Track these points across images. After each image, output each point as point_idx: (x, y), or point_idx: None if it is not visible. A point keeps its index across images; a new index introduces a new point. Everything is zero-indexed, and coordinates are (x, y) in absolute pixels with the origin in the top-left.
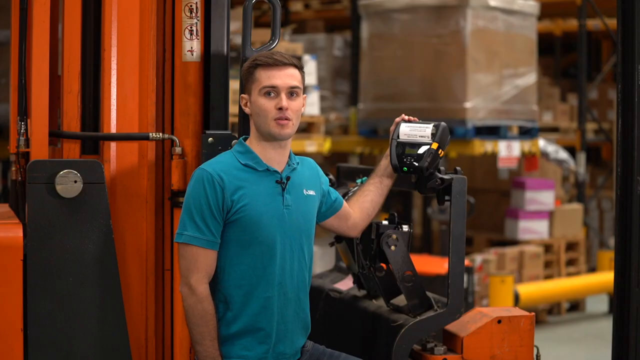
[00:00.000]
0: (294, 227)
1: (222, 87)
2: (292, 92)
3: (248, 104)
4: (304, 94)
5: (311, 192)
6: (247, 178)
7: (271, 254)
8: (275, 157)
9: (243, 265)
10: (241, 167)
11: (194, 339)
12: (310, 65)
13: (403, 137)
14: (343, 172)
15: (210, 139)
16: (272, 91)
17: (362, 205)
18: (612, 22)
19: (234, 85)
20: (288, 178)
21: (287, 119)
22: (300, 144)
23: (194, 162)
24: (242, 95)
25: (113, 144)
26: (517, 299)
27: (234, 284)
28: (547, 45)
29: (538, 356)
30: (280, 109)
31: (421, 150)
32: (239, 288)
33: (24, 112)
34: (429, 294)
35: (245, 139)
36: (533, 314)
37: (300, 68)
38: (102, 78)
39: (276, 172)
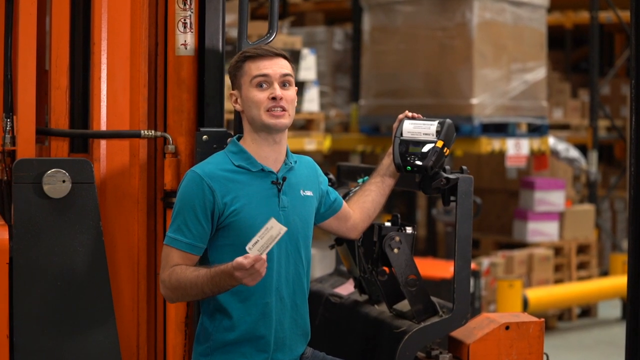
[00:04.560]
0: (291, 230)
1: (217, 82)
2: (284, 82)
3: (238, 100)
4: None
5: (308, 193)
6: (241, 180)
7: (268, 258)
8: (270, 155)
9: None
10: (234, 168)
11: (197, 292)
12: (310, 60)
13: (406, 134)
14: (344, 172)
15: (204, 136)
16: (264, 82)
17: (362, 206)
18: (625, 14)
19: (230, 80)
20: (284, 178)
21: (282, 108)
22: (299, 141)
23: (188, 160)
24: (232, 92)
25: (103, 142)
26: (525, 304)
27: (230, 290)
28: (557, 39)
29: None
30: (274, 98)
31: (425, 148)
32: (236, 294)
33: (9, 109)
34: (433, 298)
35: (239, 139)
36: (542, 319)
37: (289, 60)
38: (92, 73)
39: (271, 172)
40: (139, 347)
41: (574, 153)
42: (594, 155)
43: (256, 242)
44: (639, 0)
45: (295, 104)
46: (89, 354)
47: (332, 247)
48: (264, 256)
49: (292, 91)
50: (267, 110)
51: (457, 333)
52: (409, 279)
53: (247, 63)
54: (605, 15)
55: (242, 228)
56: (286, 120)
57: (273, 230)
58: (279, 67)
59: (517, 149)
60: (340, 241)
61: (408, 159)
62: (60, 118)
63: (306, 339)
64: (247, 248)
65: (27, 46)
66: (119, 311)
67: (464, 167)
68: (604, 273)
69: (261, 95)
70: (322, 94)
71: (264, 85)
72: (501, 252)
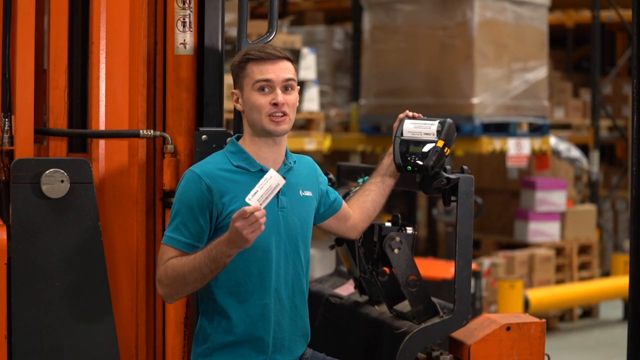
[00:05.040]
0: (290, 230)
1: (217, 81)
2: (286, 86)
3: (240, 100)
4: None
5: (308, 193)
6: (239, 180)
7: (267, 259)
8: (270, 156)
9: (238, 272)
10: (233, 168)
11: (197, 276)
12: (310, 59)
13: (407, 134)
14: (344, 171)
15: (203, 136)
16: (266, 86)
17: (362, 206)
18: (627, 13)
19: (229, 80)
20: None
21: (283, 114)
22: (299, 141)
23: (187, 160)
24: (233, 91)
25: (102, 142)
26: (527, 304)
27: (229, 291)
28: (558, 38)
29: None
30: (276, 104)
31: (426, 148)
32: (235, 295)
33: (8, 108)
34: (434, 299)
35: (238, 138)
36: (544, 320)
37: (292, 61)
38: (91, 72)
39: None
40: (138, 347)
41: (575, 153)
42: (595, 155)
43: (255, 192)
44: None
45: (297, 105)
46: (87, 355)
47: (332, 247)
48: (263, 209)
49: (293, 95)
50: (269, 116)
51: (458, 334)
52: (409, 280)
53: (249, 65)
54: (607, 14)
55: None
56: (287, 125)
57: (272, 180)
58: (282, 71)
59: (518, 148)
60: (340, 241)
61: (409, 158)
62: (58, 118)
63: (306, 340)
64: (246, 199)
65: (26, 45)
66: (117, 312)
67: (465, 167)
68: (606, 273)
69: (263, 100)
70: (322, 94)
71: (266, 90)
72: (502, 252)
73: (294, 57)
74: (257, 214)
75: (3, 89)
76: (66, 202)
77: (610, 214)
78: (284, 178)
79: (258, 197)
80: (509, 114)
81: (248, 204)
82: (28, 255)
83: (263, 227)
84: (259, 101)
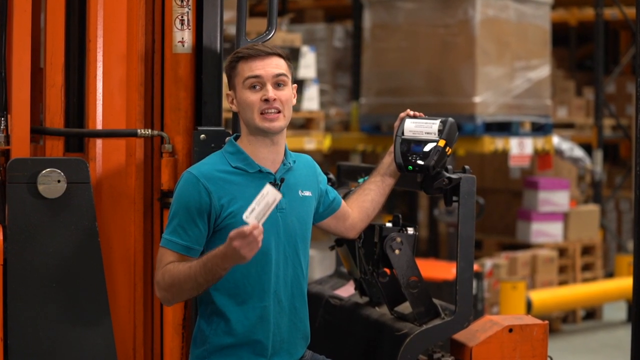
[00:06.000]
0: (289, 231)
1: (215, 80)
2: (278, 82)
3: (234, 100)
4: (293, 84)
5: (307, 193)
6: (238, 181)
7: (266, 261)
8: (268, 156)
9: (236, 273)
10: (231, 169)
11: (192, 285)
12: (309, 57)
13: (408, 133)
14: (344, 171)
15: (202, 135)
16: (256, 83)
17: (361, 205)
18: (631, 11)
19: (227, 80)
20: (282, 179)
21: (276, 110)
22: (299, 141)
23: (185, 160)
24: (228, 92)
25: (99, 141)
26: (529, 306)
27: (227, 293)
28: (561, 36)
29: None
30: (267, 100)
31: (427, 147)
32: (233, 297)
33: (3, 107)
34: (435, 301)
35: (236, 138)
36: (547, 322)
37: (285, 58)
38: (88, 71)
39: (269, 173)
40: (136, 349)
41: (578, 152)
42: (598, 155)
43: (253, 210)
44: None
45: (293, 102)
46: (84, 356)
47: (332, 248)
48: (261, 226)
49: (287, 91)
50: (261, 114)
51: (460, 336)
52: (410, 281)
53: (240, 64)
54: (610, 12)
55: None
56: (281, 122)
57: (269, 196)
58: (272, 67)
59: (520, 148)
60: (340, 242)
61: (409, 158)
62: (55, 117)
63: (306, 342)
64: (244, 217)
65: (22, 43)
66: (115, 313)
67: (467, 167)
68: (609, 274)
69: (254, 97)
70: (322, 92)
71: (257, 87)
72: (504, 253)
73: (294, 55)
74: (255, 232)
75: None
76: (63, 202)
77: (613, 214)
78: (281, 193)
79: (255, 214)
80: (511, 113)
81: (247, 208)
82: (24, 256)
83: (260, 244)
84: (250, 98)
